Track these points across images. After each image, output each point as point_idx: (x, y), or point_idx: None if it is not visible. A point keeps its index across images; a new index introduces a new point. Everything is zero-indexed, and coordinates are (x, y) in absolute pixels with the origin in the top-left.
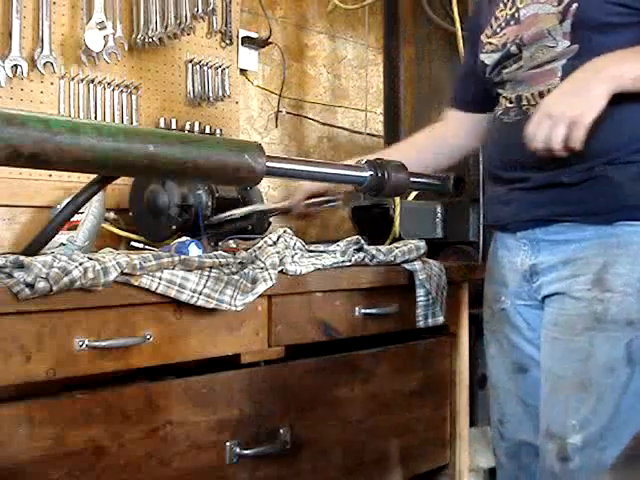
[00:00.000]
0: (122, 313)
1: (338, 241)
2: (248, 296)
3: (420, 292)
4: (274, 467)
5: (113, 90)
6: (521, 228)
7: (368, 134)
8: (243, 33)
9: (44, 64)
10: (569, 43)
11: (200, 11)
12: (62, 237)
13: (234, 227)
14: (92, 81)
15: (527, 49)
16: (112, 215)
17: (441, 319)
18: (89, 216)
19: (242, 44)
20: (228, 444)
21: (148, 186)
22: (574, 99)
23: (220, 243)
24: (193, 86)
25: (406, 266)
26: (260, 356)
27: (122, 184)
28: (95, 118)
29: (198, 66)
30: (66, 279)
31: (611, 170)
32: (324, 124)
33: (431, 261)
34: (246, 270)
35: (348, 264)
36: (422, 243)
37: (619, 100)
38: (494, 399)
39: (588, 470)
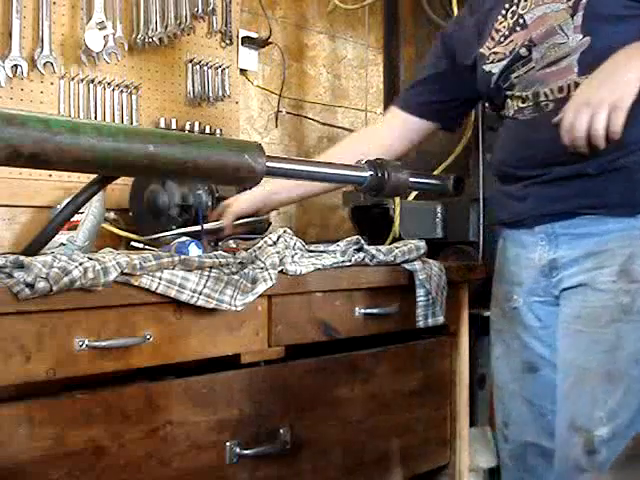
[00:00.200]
0: (122, 313)
1: (338, 241)
2: (248, 296)
3: (420, 292)
4: (274, 467)
5: (113, 90)
6: (539, 223)
7: None
8: (243, 33)
9: (44, 64)
10: (581, 36)
11: (200, 11)
12: (62, 237)
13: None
14: (92, 81)
15: (537, 49)
16: (112, 215)
17: (441, 319)
18: (89, 216)
19: (242, 44)
20: (228, 444)
21: (148, 186)
22: (611, 85)
23: (220, 243)
24: (193, 86)
25: (406, 266)
26: (260, 356)
27: (122, 184)
28: (95, 118)
29: (198, 66)
30: (66, 279)
31: (635, 162)
32: (324, 124)
33: (431, 261)
34: (246, 270)
35: (348, 264)
36: (422, 243)
37: None
38: (499, 401)
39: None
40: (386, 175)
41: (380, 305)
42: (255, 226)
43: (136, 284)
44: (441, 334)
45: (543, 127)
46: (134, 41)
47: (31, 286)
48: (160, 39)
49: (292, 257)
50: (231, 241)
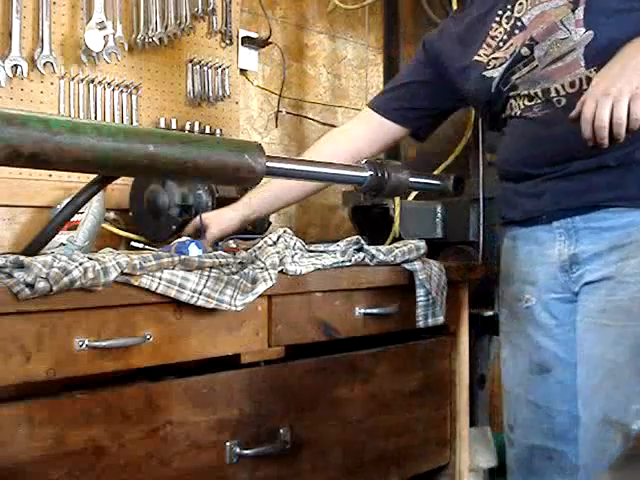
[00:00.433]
0: (122, 313)
1: (338, 241)
2: (248, 296)
3: (420, 292)
4: (274, 467)
5: (113, 90)
6: (557, 218)
7: None
8: (243, 33)
9: (44, 64)
10: (584, 29)
11: (200, 11)
12: (62, 237)
13: None
14: (92, 81)
15: (539, 47)
16: (112, 215)
17: (441, 319)
18: (89, 216)
19: (242, 44)
20: (228, 444)
21: (148, 186)
22: (627, 76)
23: (220, 243)
24: (193, 86)
25: (406, 266)
26: (260, 356)
27: (122, 184)
28: (95, 118)
29: (198, 66)
30: (66, 279)
31: None
32: (324, 124)
33: (431, 261)
34: (246, 270)
35: (348, 264)
36: (422, 243)
37: None
38: (505, 404)
39: None
40: (386, 175)
41: (380, 305)
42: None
43: (136, 284)
44: (441, 334)
45: (556, 123)
46: (134, 41)
47: (31, 286)
48: (160, 39)
49: (292, 257)
50: (231, 241)
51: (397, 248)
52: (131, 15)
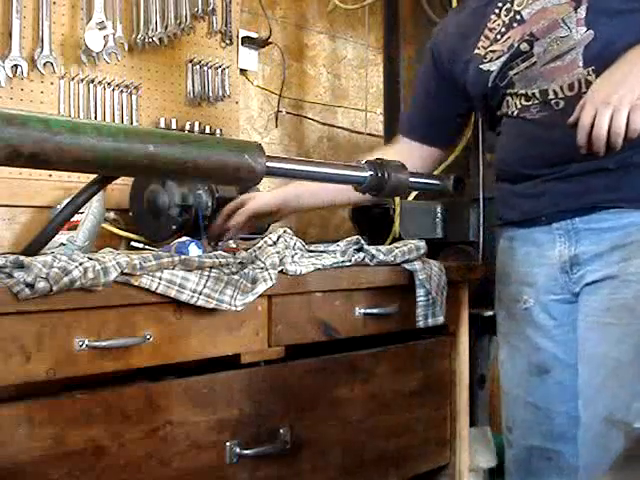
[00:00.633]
0: (122, 313)
1: (338, 241)
2: (248, 296)
3: (420, 292)
4: (274, 467)
5: (113, 90)
6: (557, 219)
7: (368, 134)
8: (243, 33)
9: (44, 64)
10: (585, 29)
11: (200, 11)
12: (62, 237)
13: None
14: (92, 81)
15: (539, 43)
16: (112, 215)
17: (441, 319)
18: (89, 216)
19: (242, 44)
20: (228, 444)
21: (148, 186)
22: (629, 84)
23: (220, 243)
24: (193, 86)
25: (406, 266)
26: (260, 356)
27: (122, 184)
28: (95, 118)
29: (198, 66)
30: (66, 279)
31: None
32: (324, 124)
33: (431, 261)
34: (246, 270)
35: (348, 264)
36: (422, 243)
37: None
38: (505, 406)
39: None
40: (386, 175)
41: (380, 305)
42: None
43: (136, 284)
44: (441, 334)
45: (555, 126)
46: (134, 41)
47: (31, 286)
48: (160, 39)
49: (292, 257)
50: (231, 241)
51: (397, 248)
52: (131, 15)
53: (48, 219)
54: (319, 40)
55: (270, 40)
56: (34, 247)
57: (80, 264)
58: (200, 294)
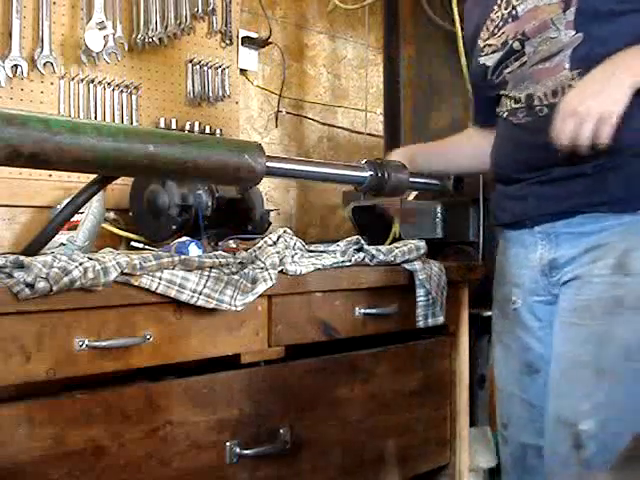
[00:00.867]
0: (122, 313)
1: (338, 241)
2: (248, 296)
3: (420, 292)
4: (274, 467)
5: (113, 90)
6: (540, 222)
7: (368, 134)
8: (243, 33)
9: (44, 64)
10: (574, 32)
11: (200, 11)
12: (62, 237)
13: None
14: (92, 81)
15: (530, 43)
16: (112, 215)
17: (441, 319)
18: (89, 216)
19: (242, 44)
20: (228, 444)
21: (148, 186)
22: (599, 95)
23: (220, 243)
24: (193, 86)
25: (406, 266)
26: (260, 356)
27: (122, 184)
28: (95, 118)
29: (198, 66)
30: (66, 279)
31: (633, 160)
32: (324, 124)
33: (431, 261)
34: (246, 270)
35: (348, 264)
36: (422, 243)
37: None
38: (499, 403)
39: (604, 457)
40: (386, 175)
41: (380, 305)
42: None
43: (136, 284)
44: (441, 334)
45: (539, 131)
46: (134, 41)
47: (31, 286)
48: (160, 39)
49: (292, 257)
50: (231, 241)
51: (397, 248)
52: (131, 15)
53: (48, 219)
54: (319, 40)
55: (270, 40)
56: (34, 247)
57: (80, 264)
58: (200, 294)
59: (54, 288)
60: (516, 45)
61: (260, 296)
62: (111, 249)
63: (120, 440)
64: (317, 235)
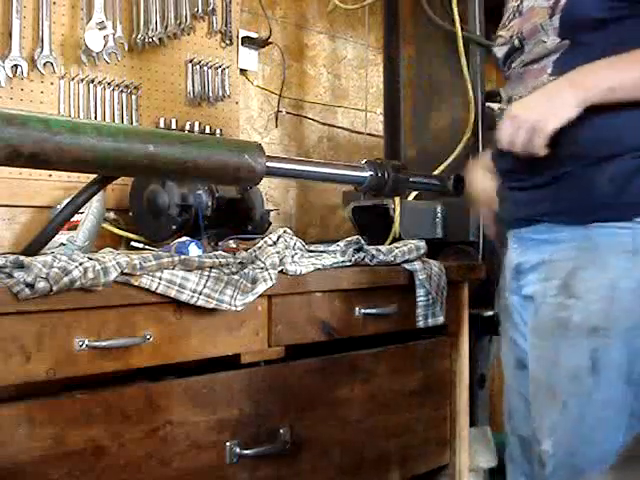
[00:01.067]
0: (122, 313)
1: (338, 241)
2: (248, 296)
3: (420, 292)
4: (274, 467)
5: (113, 90)
6: (513, 226)
7: (368, 134)
8: (243, 33)
9: (44, 64)
10: (559, 39)
11: (200, 11)
12: (62, 237)
13: None
14: (92, 81)
15: (527, 43)
16: (112, 215)
17: (441, 319)
18: (89, 216)
19: (242, 44)
20: (228, 444)
21: (148, 186)
22: (541, 106)
23: (220, 243)
24: (193, 86)
25: (406, 266)
26: (260, 356)
27: (122, 184)
28: (95, 118)
29: (198, 66)
30: (66, 279)
31: (584, 171)
32: (324, 124)
33: (431, 261)
34: (246, 270)
35: (348, 264)
36: (422, 243)
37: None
38: (505, 393)
39: (560, 476)
40: (386, 175)
41: (380, 305)
42: None
43: (136, 284)
44: (441, 334)
45: None
46: (134, 41)
47: (31, 286)
48: (160, 39)
49: (292, 257)
50: (231, 241)
51: (397, 248)
52: (131, 15)
53: (48, 219)
54: (319, 40)
55: (270, 40)
56: (34, 247)
57: (80, 264)
58: (200, 294)
59: (54, 288)
60: (517, 43)
61: (260, 296)
62: (111, 249)
63: (120, 440)
64: (317, 235)
